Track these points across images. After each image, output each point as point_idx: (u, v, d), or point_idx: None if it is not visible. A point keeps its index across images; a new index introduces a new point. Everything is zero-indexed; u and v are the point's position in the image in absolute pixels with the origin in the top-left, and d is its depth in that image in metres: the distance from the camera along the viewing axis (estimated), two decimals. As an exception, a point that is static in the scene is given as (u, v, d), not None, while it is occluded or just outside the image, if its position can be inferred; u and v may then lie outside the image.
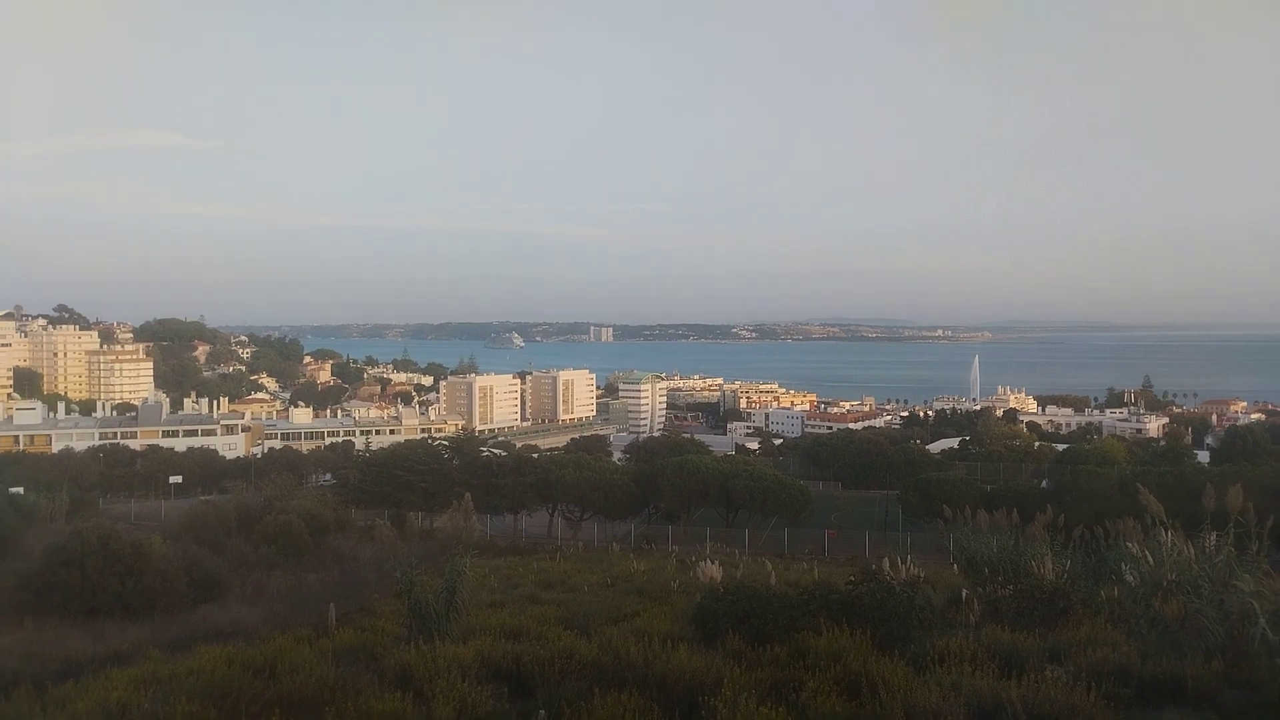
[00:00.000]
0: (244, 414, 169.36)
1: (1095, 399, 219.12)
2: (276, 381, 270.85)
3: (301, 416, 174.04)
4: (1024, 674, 10.06)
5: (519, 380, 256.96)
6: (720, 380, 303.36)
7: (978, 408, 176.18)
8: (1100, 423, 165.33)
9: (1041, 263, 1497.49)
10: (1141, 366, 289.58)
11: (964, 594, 14.59)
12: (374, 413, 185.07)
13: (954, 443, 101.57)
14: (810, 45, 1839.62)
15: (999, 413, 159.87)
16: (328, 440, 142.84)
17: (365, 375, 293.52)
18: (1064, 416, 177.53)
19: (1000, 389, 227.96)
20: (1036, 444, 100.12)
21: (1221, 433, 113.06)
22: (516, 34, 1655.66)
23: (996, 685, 9.82)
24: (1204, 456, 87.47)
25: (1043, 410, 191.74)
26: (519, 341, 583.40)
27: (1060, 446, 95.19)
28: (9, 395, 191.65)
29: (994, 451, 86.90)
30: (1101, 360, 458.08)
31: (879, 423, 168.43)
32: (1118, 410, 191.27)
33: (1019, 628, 12.61)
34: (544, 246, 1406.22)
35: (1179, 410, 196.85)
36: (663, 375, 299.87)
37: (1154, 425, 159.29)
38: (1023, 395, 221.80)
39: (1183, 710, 9.86)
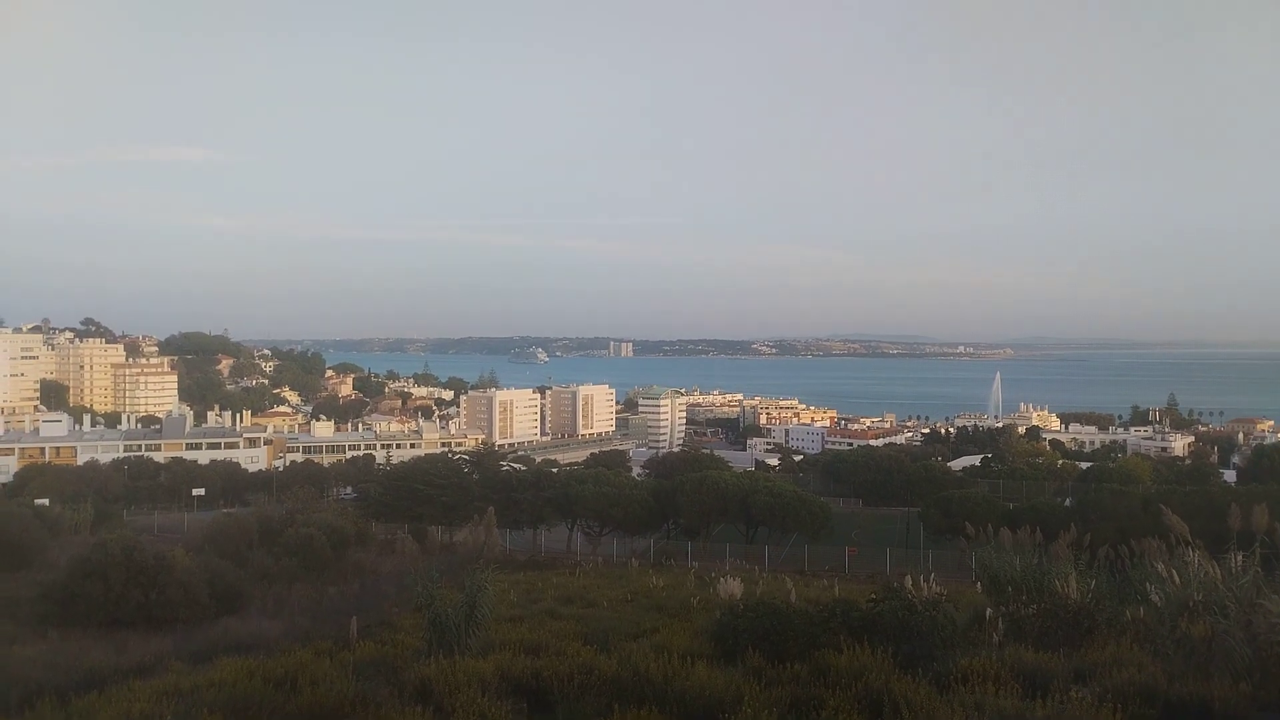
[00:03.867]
0: (266, 427, 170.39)
1: (1119, 417, 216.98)
2: (298, 395, 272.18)
3: (323, 430, 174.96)
4: (1048, 694, 9.97)
5: (539, 395, 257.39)
6: (740, 396, 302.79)
7: (999, 425, 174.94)
8: (1124, 441, 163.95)
9: (1066, 279, 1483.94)
10: (1166, 384, 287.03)
11: (987, 613, 14.43)
12: (395, 427, 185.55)
13: (976, 460, 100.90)
14: (829, 59, 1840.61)
15: (1021, 430, 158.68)
16: (349, 454, 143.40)
17: (386, 389, 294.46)
18: (1088, 434, 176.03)
19: (1023, 406, 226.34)
20: (1060, 462, 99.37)
21: (1248, 451, 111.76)
22: (535, 49, 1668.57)
23: (1021, 705, 9.75)
24: (1230, 476, 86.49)
25: (1066, 428, 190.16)
26: (543, 357, 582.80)
27: (1084, 465, 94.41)
28: (36, 407, 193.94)
29: (1017, 469, 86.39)
30: (1126, 378, 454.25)
31: (900, 439, 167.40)
32: (1142, 428, 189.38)
33: (1043, 647, 12.49)
34: (564, 261, 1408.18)
35: (1205, 429, 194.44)
36: (682, 391, 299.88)
37: (1179, 444, 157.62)
38: (1046, 413, 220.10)
39: (1210, 733, 9.73)
